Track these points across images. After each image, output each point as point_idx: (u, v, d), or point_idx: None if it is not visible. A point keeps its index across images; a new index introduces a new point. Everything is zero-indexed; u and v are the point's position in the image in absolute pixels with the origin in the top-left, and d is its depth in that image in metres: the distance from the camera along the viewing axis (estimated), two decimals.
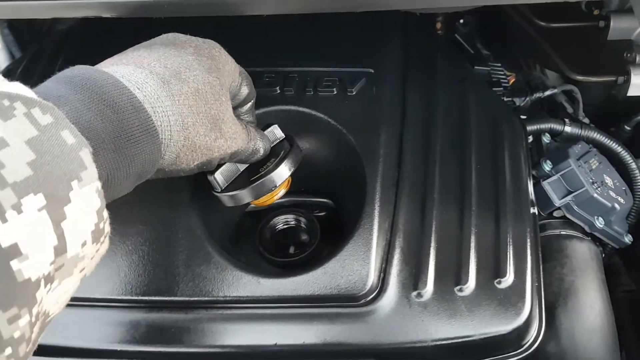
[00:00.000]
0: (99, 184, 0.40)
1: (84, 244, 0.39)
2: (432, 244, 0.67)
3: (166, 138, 0.49)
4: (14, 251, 0.34)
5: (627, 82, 0.83)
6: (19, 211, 0.34)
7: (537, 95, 0.95)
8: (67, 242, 0.38)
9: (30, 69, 0.87)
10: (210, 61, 0.55)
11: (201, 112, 0.52)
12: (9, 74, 0.90)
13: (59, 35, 0.93)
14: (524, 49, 1.03)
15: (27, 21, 0.98)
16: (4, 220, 0.34)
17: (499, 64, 0.95)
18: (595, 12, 0.92)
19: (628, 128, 0.97)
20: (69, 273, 0.39)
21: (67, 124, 0.39)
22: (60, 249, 0.37)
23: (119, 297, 0.65)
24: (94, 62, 0.49)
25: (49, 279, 0.37)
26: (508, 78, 0.95)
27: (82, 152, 0.39)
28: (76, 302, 0.64)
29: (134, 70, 0.48)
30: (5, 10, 0.59)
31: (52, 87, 0.44)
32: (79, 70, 0.46)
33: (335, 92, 0.74)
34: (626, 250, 0.91)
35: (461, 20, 1.04)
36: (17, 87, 0.39)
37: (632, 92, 0.83)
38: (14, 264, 0.34)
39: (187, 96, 0.50)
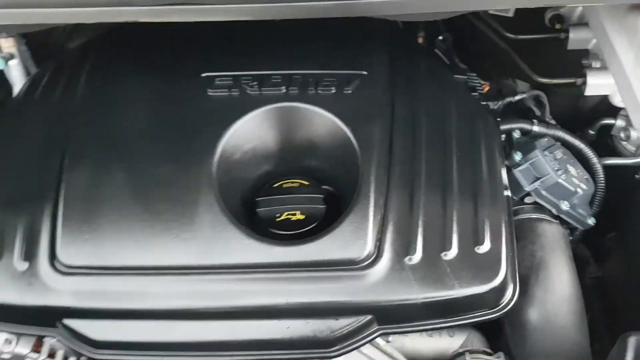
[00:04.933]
0: None
1: None
2: (421, 218, 0.78)
3: None
4: None
5: (584, 83, 0.97)
6: None
7: (509, 99, 1.07)
8: None
9: (54, 80, 0.96)
10: None
11: None
12: (34, 84, 0.98)
13: (76, 50, 1.03)
14: (496, 59, 1.15)
15: (43, 39, 1.07)
16: None
17: (475, 74, 1.07)
18: (557, 26, 1.06)
19: (592, 132, 1.08)
20: None
21: None
22: None
23: (146, 265, 0.75)
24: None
25: None
26: (482, 86, 1.06)
27: None
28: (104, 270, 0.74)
29: None
30: (58, 16, 0.69)
31: None
32: None
33: (333, 91, 0.86)
34: (590, 237, 1.02)
35: (440, 37, 1.17)
36: None
37: (589, 92, 0.97)
38: None
39: None
